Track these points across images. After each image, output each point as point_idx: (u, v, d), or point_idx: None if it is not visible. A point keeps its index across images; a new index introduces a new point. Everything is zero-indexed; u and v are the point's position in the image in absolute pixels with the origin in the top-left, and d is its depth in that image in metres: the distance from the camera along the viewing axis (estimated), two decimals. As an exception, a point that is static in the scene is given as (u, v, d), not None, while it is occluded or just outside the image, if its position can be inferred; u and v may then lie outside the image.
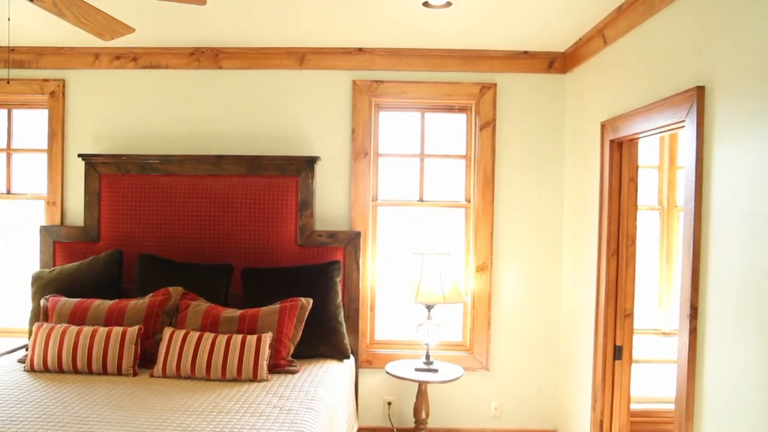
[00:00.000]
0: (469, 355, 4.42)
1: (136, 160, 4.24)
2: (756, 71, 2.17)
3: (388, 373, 4.04)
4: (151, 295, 3.81)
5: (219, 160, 4.22)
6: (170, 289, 3.82)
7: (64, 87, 4.43)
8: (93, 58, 4.39)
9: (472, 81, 4.36)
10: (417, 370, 4.01)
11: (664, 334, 4.94)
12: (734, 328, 2.28)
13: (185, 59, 4.37)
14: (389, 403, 4.42)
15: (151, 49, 4.34)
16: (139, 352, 3.50)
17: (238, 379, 3.37)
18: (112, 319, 3.65)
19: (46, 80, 4.42)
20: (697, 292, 2.53)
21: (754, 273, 2.16)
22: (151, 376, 3.43)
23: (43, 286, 3.99)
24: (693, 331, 2.54)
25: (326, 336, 3.86)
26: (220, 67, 4.38)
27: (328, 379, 3.47)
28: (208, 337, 3.46)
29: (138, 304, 3.72)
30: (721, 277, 2.38)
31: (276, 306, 3.69)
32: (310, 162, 4.21)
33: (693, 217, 2.54)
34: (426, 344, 4.09)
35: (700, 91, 2.51)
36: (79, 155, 4.26)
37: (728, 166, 2.34)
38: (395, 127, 4.56)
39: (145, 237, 4.25)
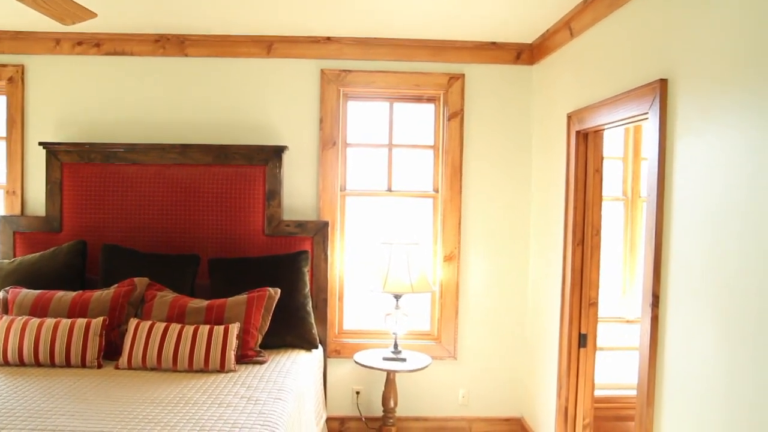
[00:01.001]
0: (436, 344, 4.45)
1: (100, 149, 4.16)
2: (716, 65, 2.22)
3: (356, 362, 4.05)
4: (115, 286, 3.75)
5: (185, 149, 4.16)
6: (135, 279, 3.76)
7: (23, 73, 4.31)
8: (53, 43, 4.28)
9: (440, 71, 4.37)
10: (385, 359, 4.03)
11: (627, 322, 5.04)
12: (693, 316, 2.34)
13: (150, 46, 4.29)
14: (358, 393, 4.43)
15: (115, 35, 4.25)
16: (103, 344, 3.44)
17: (205, 370, 3.34)
18: (75, 310, 3.58)
19: (3, 65, 4.30)
20: (659, 280, 2.59)
21: (712, 262, 2.22)
22: (117, 368, 3.38)
23: (2, 277, 3.89)
24: (654, 319, 2.60)
25: (294, 326, 3.85)
26: (186, 55, 4.31)
27: (296, 369, 3.46)
28: (175, 328, 3.42)
29: (102, 295, 3.66)
30: (682, 266, 2.43)
31: (243, 296, 3.67)
32: (277, 151, 4.18)
33: (655, 207, 2.59)
34: (394, 333, 4.11)
35: (663, 83, 2.55)
36: (40, 143, 4.16)
37: (689, 158, 2.39)
38: (363, 117, 4.55)
39: (109, 227, 4.17)
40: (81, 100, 4.34)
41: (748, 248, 2.02)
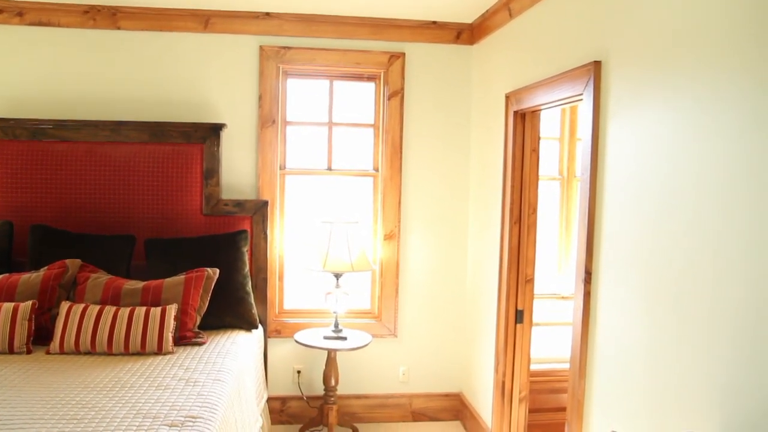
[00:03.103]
0: (377, 323, 4.49)
1: (26, 125, 3.97)
2: (646, 47, 2.28)
3: (297, 342, 4.04)
4: (45, 268, 3.61)
5: (119, 126, 4.02)
6: (67, 261, 3.63)
7: (-60, 44, 4.06)
8: (-27, 12, 4.05)
9: (381, 50, 4.35)
10: (326, 338, 4.04)
11: (562, 298, 5.19)
12: (623, 291, 2.43)
13: (79, 17, 4.10)
14: (299, 372, 4.43)
15: (39, 4, 4.03)
16: (33, 328, 3.31)
17: (142, 353, 3.27)
18: (1, 294, 3.43)
19: None
20: (592, 257, 2.67)
21: (639, 240, 2.31)
22: (48, 353, 3.26)
23: None
24: (587, 295, 2.69)
25: (234, 306, 3.81)
26: (119, 28, 4.14)
27: (236, 350, 3.43)
28: (110, 310, 3.33)
29: (31, 278, 3.52)
30: (613, 244, 2.52)
31: (181, 277, 3.60)
32: (215, 129, 4.09)
33: (589, 186, 2.66)
34: (334, 312, 4.11)
35: (597, 65, 2.61)
36: (-40, 119, 3.95)
37: (620, 139, 2.46)
38: (304, 95, 4.49)
39: (38, 207, 4.00)
40: (2, 74, 4.12)
41: (675, 226, 2.10)
